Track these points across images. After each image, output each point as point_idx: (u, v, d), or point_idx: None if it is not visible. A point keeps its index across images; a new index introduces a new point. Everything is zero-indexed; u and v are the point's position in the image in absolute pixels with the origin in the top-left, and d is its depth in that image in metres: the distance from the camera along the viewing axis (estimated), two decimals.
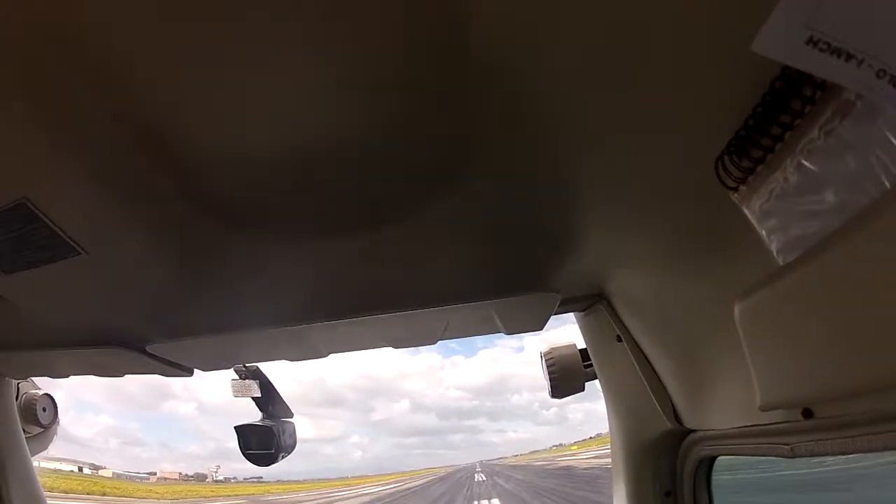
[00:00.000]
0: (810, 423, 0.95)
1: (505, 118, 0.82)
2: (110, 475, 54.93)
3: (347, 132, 0.84)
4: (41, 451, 2.23)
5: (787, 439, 1.07)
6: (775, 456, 1.14)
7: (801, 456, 1.06)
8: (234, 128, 0.81)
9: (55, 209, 0.93)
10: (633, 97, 0.78)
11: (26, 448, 2.09)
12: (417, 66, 0.72)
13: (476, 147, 0.88)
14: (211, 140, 0.83)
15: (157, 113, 0.78)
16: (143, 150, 0.83)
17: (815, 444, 1.00)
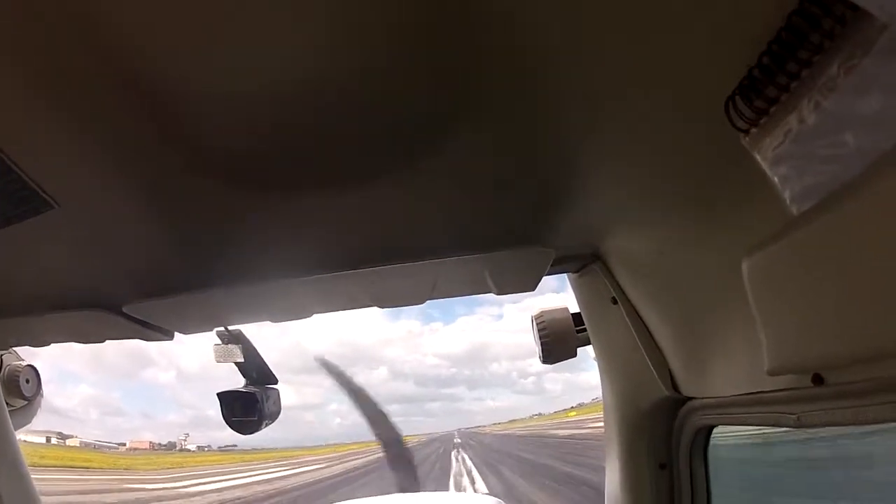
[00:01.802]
0: (820, 390, 0.89)
1: (499, 61, 0.76)
2: (78, 444, 54.11)
3: (334, 77, 0.78)
4: (25, 424, 2.19)
5: (794, 408, 1.02)
6: (780, 426, 1.10)
7: (807, 426, 1.01)
8: (217, 69, 0.76)
9: (28, 160, 0.88)
10: (635, 37, 0.73)
11: (9, 422, 2.04)
12: (413, 7, 0.67)
13: (469, 94, 0.82)
14: (192, 82, 0.78)
15: (136, 53, 0.72)
16: (121, 94, 0.78)
17: (824, 413, 0.95)
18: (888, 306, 0.64)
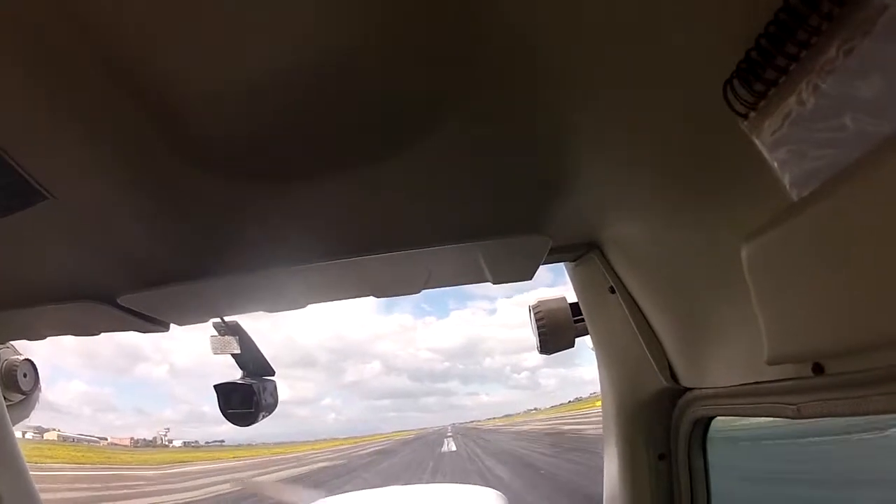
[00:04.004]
0: (820, 380, 0.89)
1: (493, 48, 0.75)
2: (56, 438, 52.70)
3: (326, 64, 0.77)
4: (23, 418, 2.20)
5: (794, 398, 1.01)
6: (779, 416, 1.09)
7: (807, 417, 1.00)
8: (206, 59, 0.75)
9: (21, 151, 0.87)
10: (631, 23, 0.72)
11: (7, 416, 2.05)
12: None
13: (464, 82, 0.81)
14: (182, 73, 0.77)
15: (127, 43, 0.71)
16: (113, 85, 0.77)
17: (824, 404, 0.94)
18: (890, 294, 0.63)
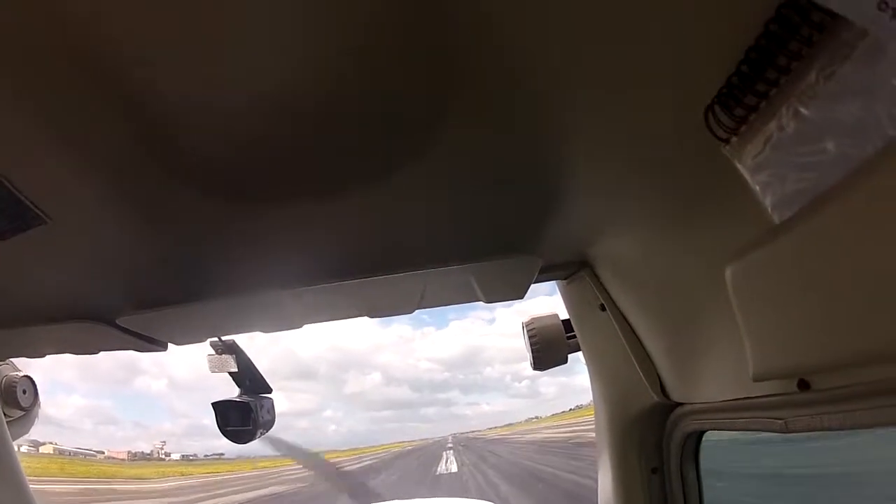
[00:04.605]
0: (806, 395, 0.90)
1: (483, 71, 0.76)
2: (52, 451, 51.58)
3: (318, 85, 0.77)
4: (23, 434, 2.21)
5: (781, 413, 1.02)
6: (768, 431, 1.09)
7: (795, 431, 1.00)
8: (202, 75, 0.74)
9: (19, 174, 0.87)
10: (619, 46, 0.72)
11: (7, 432, 2.05)
12: (394, 10, 0.66)
13: (454, 102, 0.82)
14: (179, 94, 0.77)
15: (125, 66, 0.71)
16: (111, 108, 0.77)
17: (811, 419, 0.95)
18: (870, 311, 0.64)
